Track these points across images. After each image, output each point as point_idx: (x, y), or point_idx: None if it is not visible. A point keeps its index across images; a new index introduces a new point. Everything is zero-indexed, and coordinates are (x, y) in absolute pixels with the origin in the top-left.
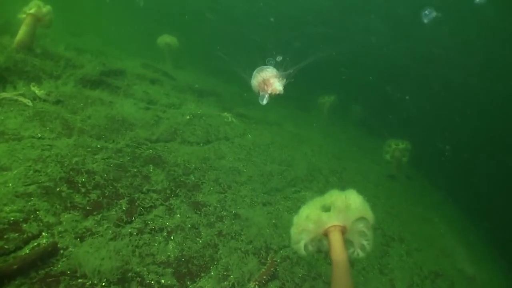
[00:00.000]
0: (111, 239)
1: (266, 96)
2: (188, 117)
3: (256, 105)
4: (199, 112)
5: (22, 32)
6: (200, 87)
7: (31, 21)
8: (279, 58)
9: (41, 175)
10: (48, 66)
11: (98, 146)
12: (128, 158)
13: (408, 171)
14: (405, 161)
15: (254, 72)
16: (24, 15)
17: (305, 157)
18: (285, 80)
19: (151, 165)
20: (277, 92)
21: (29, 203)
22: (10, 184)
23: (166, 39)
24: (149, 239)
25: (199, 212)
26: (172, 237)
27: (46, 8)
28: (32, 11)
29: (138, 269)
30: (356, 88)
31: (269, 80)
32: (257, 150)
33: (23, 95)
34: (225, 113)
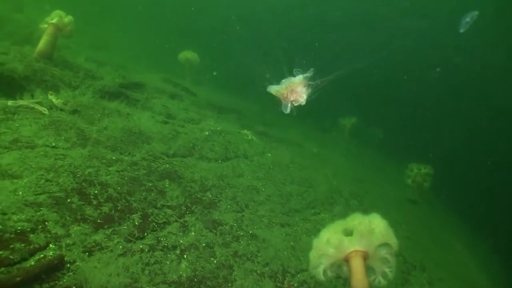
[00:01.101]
0: (120, 255)
1: (289, 105)
2: (207, 132)
3: (277, 125)
4: (218, 129)
5: (43, 42)
6: (220, 104)
7: (53, 31)
8: (310, 72)
9: (52, 185)
10: (67, 76)
11: (113, 158)
12: (144, 171)
13: (430, 197)
14: (426, 186)
15: (283, 81)
16: (46, 25)
17: (325, 179)
18: (310, 90)
19: (167, 180)
20: (299, 103)
21: (38, 213)
22: (20, 193)
23: (187, 55)
24: (161, 257)
25: (215, 231)
26: (185, 256)
27: (67, 18)
28: (54, 21)
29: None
30: (378, 110)
31: (296, 88)
32: (276, 169)
33: (40, 103)
34: (245, 131)
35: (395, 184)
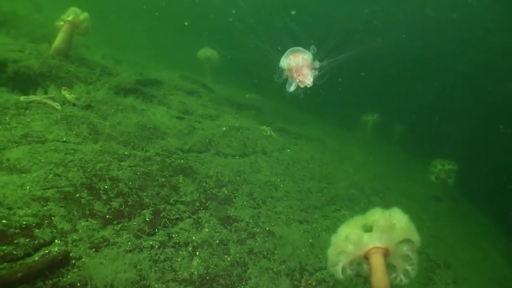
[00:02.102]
0: (129, 251)
1: (294, 84)
2: (224, 128)
3: (297, 121)
4: (236, 125)
5: (59, 39)
6: (239, 101)
7: (68, 28)
8: (315, 53)
9: (61, 180)
10: (82, 73)
11: (126, 153)
12: (157, 167)
13: (454, 193)
14: (451, 182)
15: (287, 52)
16: (62, 22)
17: (346, 175)
18: (317, 72)
19: (181, 176)
20: (306, 85)
21: (45, 208)
22: (28, 187)
23: (207, 52)
24: (172, 254)
25: (230, 228)
26: (197, 253)
27: (83, 15)
28: (69, 18)
29: (156, 285)
30: (402, 105)
31: (302, 69)
32: (296, 165)
33: (53, 98)
34: (264, 127)
35: (419, 181)
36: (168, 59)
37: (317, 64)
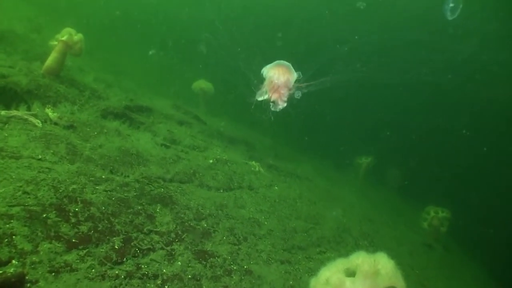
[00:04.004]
0: (91, 279)
1: (266, 97)
2: (211, 161)
3: (288, 159)
4: (224, 158)
5: (51, 58)
6: (231, 134)
7: (62, 48)
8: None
9: (29, 198)
10: (71, 94)
11: (103, 176)
12: (135, 193)
13: (446, 242)
14: (443, 230)
15: (275, 63)
16: (55, 42)
17: (334, 216)
18: (296, 94)
19: (158, 205)
20: (278, 106)
21: (7, 225)
22: None
23: (202, 85)
24: (138, 286)
25: (205, 263)
26: (166, 287)
27: (77, 36)
28: (63, 38)
29: None
30: (396, 149)
31: (280, 89)
32: (282, 203)
33: (35, 115)
34: (253, 162)
35: (410, 227)
36: (164, 88)
37: (297, 88)
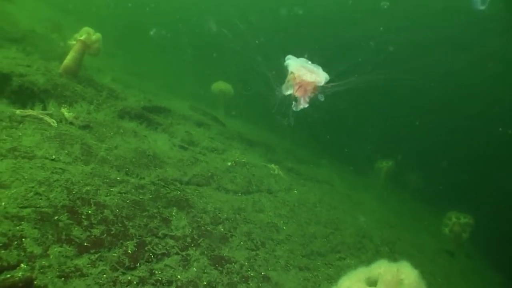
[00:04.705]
0: (101, 285)
1: (291, 93)
2: (229, 163)
3: (308, 162)
4: (243, 160)
5: (69, 58)
6: (250, 137)
7: (80, 47)
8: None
9: (41, 199)
10: (88, 94)
11: (118, 178)
12: (150, 196)
13: (468, 249)
14: (465, 237)
15: (303, 59)
16: (74, 42)
17: (355, 222)
18: (321, 95)
19: (174, 208)
20: (300, 104)
21: (17, 228)
22: (3, 203)
23: (221, 86)
24: None
25: (221, 269)
26: None
27: (95, 36)
28: (82, 37)
29: None
30: (418, 153)
31: (307, 86)
32: (301, 207)
33: (50, 115)
34: (272, 165)
35: (431, 233)
36: (183, 90)
37: (325, 86)
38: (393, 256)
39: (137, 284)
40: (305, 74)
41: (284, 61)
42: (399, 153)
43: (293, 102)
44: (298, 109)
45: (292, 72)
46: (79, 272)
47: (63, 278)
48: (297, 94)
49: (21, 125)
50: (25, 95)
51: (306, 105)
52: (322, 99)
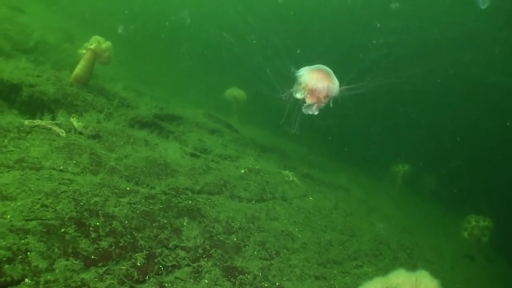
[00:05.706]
0: None
1: (302, 97)
2: (243, 170)
3: (323, 168)
4: (257, 167)
5: (79, 67)
6: (263, 143)
7: (90, 56)
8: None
9: (48, 211)
10: (99, 103)
11: (128, 188)
12: (161, 206)
13: (488, 253)
14: (485, 240)
15: (316, 66)
16: (84, 51)
17: (372, 228)
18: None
19: (186, 218)
20: (311, 110)
21: (22, 241)
22: (8, 216)
23: (234, 92)
24: None
25: (233, 280)
26: None
27: (106, 44)
28: (92, 46)
29: None
30: (436, 157)
31: (320, 95)
32: (317, 214)
33: (59, 125)
34: (287, 171)
35: (450, 237)
36: (196, 97)
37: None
38: (412, 262)
39: None
40: (315, 81)
41: (296, 70)
42: (414, 156)
43: (304, 104)
44: (309, 113)
45: (304, 83)
46: (85, 287)
47: None
48: (308, 101)
49: (29, 136)
50: (35, 105)
51: (316, 112)
52: (331, 106)
